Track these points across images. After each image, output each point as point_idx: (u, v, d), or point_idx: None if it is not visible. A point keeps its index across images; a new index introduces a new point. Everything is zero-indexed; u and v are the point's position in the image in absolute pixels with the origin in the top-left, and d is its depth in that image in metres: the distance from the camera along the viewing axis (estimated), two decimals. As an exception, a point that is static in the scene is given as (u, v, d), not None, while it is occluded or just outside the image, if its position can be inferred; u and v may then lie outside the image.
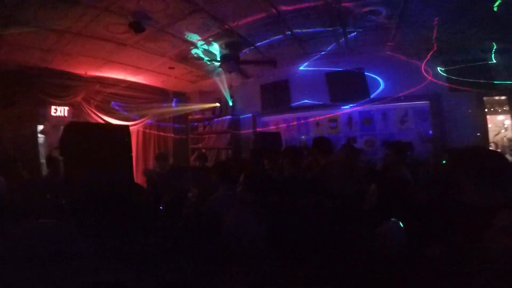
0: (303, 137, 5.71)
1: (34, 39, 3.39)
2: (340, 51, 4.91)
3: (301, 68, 5.47)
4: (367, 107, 5.17)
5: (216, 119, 6.22)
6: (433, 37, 3.98)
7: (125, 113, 5.65)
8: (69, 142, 2.41)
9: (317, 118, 5.50)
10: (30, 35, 3.27)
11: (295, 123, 5.71)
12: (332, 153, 3.18)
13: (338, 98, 5.28)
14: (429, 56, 4.38)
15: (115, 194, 2.21)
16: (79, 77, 4.74)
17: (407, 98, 4.68)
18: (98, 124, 4.56)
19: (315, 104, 5.37)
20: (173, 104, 6.32)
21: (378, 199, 1.81)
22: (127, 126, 2.95)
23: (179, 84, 5.94)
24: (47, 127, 4.59)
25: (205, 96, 6.38)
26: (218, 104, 6.18)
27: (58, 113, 4.76)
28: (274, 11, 3.62)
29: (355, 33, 4.26)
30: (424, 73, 4.58)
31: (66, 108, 4.82)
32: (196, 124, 6.57)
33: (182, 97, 6.54)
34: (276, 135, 4.80)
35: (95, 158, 2.39)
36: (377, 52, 4.92)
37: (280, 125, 5.80)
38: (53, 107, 4.64)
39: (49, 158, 3.98)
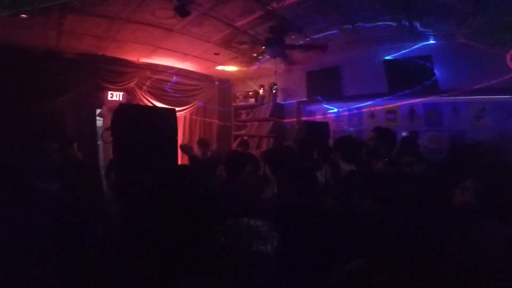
0: (351, 128, 5.21)
1: (87, 26, 3.56)
2: (402, 36, 4.27)
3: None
4: (434, 98, 4.43)
5: (259, 106, 6.04)
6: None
7: (174, 98, 5.83)
8: (118, 123, 2.51)
9: (372, 108, 4.92)
10: (83, 22, 3.45)
11: (345, 113, 5.21)
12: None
13: (399, 88, 4.61)
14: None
15: (158, 177, 2.28)
16: (132, 64, 4.97)
17: (485, 91, 3.90)
18: (147, 106, 4.74)
19: (370, 93, 4.79)
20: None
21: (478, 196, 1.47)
22: (174, 110, 2.94)
23: (224, 71, 5.87)
24: (104, 110, 4.96)
25: (249, 83, 6.23)
26: (261, 91, 5.97)
27: (114, 98, 5.09)
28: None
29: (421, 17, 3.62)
30: (510, 63, 3.71)
31: (121, 93, 5.13)
32: (239, 111, 6.48)
33: (227, 83, 6.50)
34: (323, 125, 4.43)
35: (142, 139, 2.43)
36: (448, 40, 4.19)
37: (328, 115, 5.36)
38: (109, 92, 4.97)
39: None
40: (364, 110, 5.02)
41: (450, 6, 3.27)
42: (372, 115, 4.98)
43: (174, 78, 5.66)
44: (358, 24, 3.97)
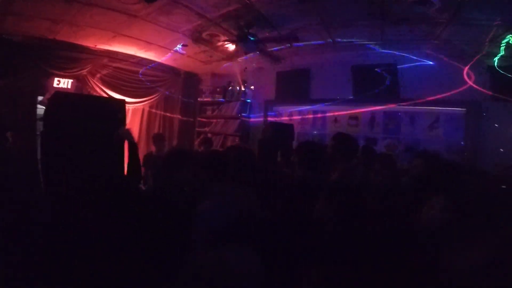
0: (315, 132, 5.34)
1: (41, 8, 3.04)
2: (372, 42, 4.45)
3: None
4: (394, 107, 4.73)
5: (226, 104, 5.86)
6: (487, 39, 3.46)
7: (132, 89, 5.33)
8: (52, 114, 2.11)
9: (336, 113, 5.10)
10: (37, 3, 2.91)
11: (310, 116, 5.31)
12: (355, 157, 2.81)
13: (363, 94, 4.84)
14: (475, 59, 3.87)
15: (98, 179, 1.95)
16: (87, 50, 4.39)
17: (441, 103, 4.22)
18: (88, 96, 4.19)
19: (336, 98, 4.94)
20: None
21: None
22: (123, 101, 2.60)
23: (191, 64, 5.54)
24: (47, 98, 4.31)
25: (217, 78, 6.00)
26: (230, 88, 5.79)
27: (60, 85, 4.46)
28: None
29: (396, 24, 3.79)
30: (466, 77, 4.10)
31: (70, 80, 4.51)
32: (205, 107, 6.21)
33: (193, 78, 6.16)
34: (288, 127, 4.45)
35: (81, 133, 2.09)
36: (414, 49, 4.43)
37: (294, 117, 5.41)
38: (56, 79, 4.34)
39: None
40: (328, 114, 5.17)
41: (425, 15, 3.43)
42: (335, 120, 5.15)
43: (135, 68, 5.16)
44: (333, 26, 4.02)
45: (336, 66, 4.93)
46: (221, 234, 1.40)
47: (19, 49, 3.73)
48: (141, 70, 5.27)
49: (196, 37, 4.38)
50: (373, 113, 4.93)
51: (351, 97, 4.87)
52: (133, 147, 2.39)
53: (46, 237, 2.00)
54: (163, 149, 4.21)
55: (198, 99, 6.20)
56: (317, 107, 5.22)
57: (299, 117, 5.38)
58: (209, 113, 6.17)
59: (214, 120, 6.12)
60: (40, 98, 4.29)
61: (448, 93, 4.07)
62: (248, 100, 5.72)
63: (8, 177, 3.11)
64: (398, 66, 4.54)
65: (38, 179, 3.03)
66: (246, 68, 5.56)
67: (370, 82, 4.73)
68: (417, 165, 2.48)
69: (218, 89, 5.90)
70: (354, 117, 5.03)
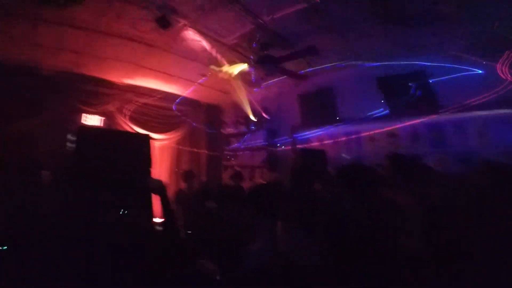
0: (350, 155, 4.77)
1: (64, 39, 3.32)
2: (395, 50, 4.12)
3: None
4: (435, 117, 4.12)
5: (251, 135, 5.64)
6: None
7: (158, 125, 5.42)
8: (77, 150, 2.11)
9: (372, 132, 4.55)
10: (59, 35, 3.19)
11: (343, 138, 4.81)
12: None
13: (398, 108, 4.33)
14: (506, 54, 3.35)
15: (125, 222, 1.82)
16: (112, 85, 4.65)
17: (485, 106, 3.63)
18: (112, 130, 4.28)
19: (368, 115, 4.48)
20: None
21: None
22: (147, 136, 2.53)
23: (212, 95, 5.59)
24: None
25: (239, 108, 5.93)
26: (253, 118, 5.63)
27: (91, 122, 4.65)
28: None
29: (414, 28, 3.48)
30: (501, 74, 3.51)
31: (99, 117, 4.71)
32: (230, 139, 6.06)
33: (215, 109, 6.18)
34: (320, 153, 4.00)
35: (105, 171, 2.03)
36: (440, 52, 4.00)
37: (325, 141, 4.95)
38: (86, 116, 4.55)
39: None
40: (363, 134, 4.64)
41: (444, 14, 3.12)
42: (372, 138, 4.58)
43: (160, 103, 5.31)
44: (351, 39, 3.82)
45: (361, 80, 4.56)
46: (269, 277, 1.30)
47: (49, 83, 4.01)
48: (165, 105, 5.40)
49: (213, 65, 4.43)
50: (413, 127, 4.32)
51: (385, 112, 4.38)
52: (165, 202, 2.21)
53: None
54: (193, 185, 4.09)
55: (222, 131, 6.10)
56: (348, 127, 4.75)
57: (331, 140, 4.91)
58: (234, 145, 5.98)
59: (240, 152, 5.88)
60: (69, 135, 4.48)
61: (493, 95, 3.46)
62: (273, 128, 5.47)
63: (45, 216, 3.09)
64: (429, 72, 4.09)
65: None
66: (263, 94, 5.43)
67: (401, 93, 4.25)
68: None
69: (240, 119, 5.78)
70: (392, 134, 4.44)
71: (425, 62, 4.21)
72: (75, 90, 4.27)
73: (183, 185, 4.61)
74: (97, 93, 4.52)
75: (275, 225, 1.68)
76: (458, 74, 3.97)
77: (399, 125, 4.40)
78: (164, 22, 3.11)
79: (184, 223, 3.64)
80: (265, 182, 2.92)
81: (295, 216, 1.86)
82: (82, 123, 4.46)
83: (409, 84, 4.23)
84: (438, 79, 4.10)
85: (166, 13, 3.07)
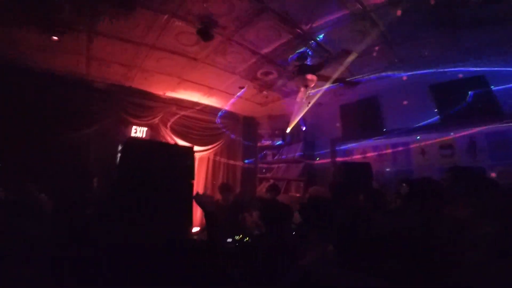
0: (397, 169, 4.36)
1: (115, 52, 3.62)
2: (447, 56, 3.77)
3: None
4: (496, 127, 3.62)
5: (287, 147, 5.53)
6: None
7: (198, 137, 5.60)
8: (124, 160, 2.24)
9: (423, 143, 4.14)
10: (111, 48, 3.50)
11: (389, 151, 4.45)
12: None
13: (451, 117, 3.92)
14: None
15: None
16: (158, 98, 4.96)
17: None
18: (158, 142, 4.49)
19: (418, 125, 4.11)
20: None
21: None
22: (191, 148, 2.65)
23: (249, 108, 5.64)
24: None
25: (275, 120, 5.89)
26: (289, 129, 5.53)
27: (137, 134, 4.97)
28: (359, 5, 2.98)
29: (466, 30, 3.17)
30: None
31: (145, 128, 5.02)
32: (265, 151, 6.00)
33: (252, 122, 6.22)
34: (364, 166, 3.73)
35: (150, 181, 2.12)
36: (500, 55, 3.56)
37: (369, 154, 4.63)
38: (133, 127, 4.88)
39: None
40: (412, 146, 4.24)
41: (498, 13, 2.80)
42: (422, 151, 4.16)
43: (200, 115, 5.51)
44: (397, 43, 3.59)
45: (409, 88, 4.24)
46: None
47: (100, 96, 4.40)
48: (205, 117, 5.58)
49: (252, 77, 4.50)
50: (471, 138, 3.83)
51: (437, 121, 3.98)
52: (208, 215, 2.29)
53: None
54: (229, 198, 4.13)
55: (258, 144, 6.08)
56: (395, 139, 4.39)
57: (375, 153, 4.57)
58: (269, 158, 5.90)
59: (276, 165, 5.78)
60: (120, 147, 4.83)
61: None
62: (310, 141, 5.29)
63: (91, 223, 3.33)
64: (488, 78, 3.68)
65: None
66: (303, 104, 5.33)
67: (456, 100, 3.85)
68: None
69: (276, 132, 5.72)
70: (447, 146, 3.98)
71: (483, 67, 3.80)
72: (123, 102, 4.63)
73: (219, 196, 4.68)
74: (143, 105, 4.84)
75: (327, 242, 1.57)
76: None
77: (453, 136, 3.95)
78: (204, 34, 3.25)
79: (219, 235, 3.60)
80: (317, 196, 2.80)
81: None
82: (129, 134, 4.79)
83: (467, 90, 3.84)
84: (502, 87, 3.66)
85: (206, 25, 3.22)
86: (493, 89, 3.70)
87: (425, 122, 4.12)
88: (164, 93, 4.94)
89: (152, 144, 3.58)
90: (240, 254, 2.05)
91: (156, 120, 5.05)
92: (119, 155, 4.74)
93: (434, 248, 1.42)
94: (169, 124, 5.23)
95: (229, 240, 3.36)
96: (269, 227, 2.09)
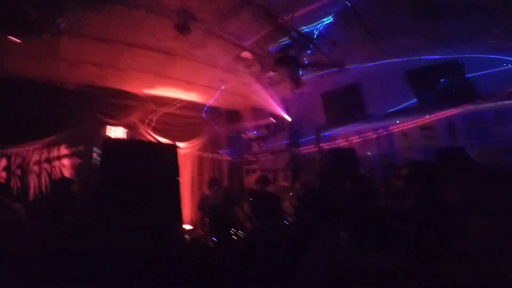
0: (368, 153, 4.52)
1: (85, 52, 3.33)
2: (425, 44, 3.89)
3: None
4: (473, 107, 3.84)
5: (272, 137, 5.52)
6: None
7: (181, 134, 5.42)
8: (106, 162, 2.12)
9: (404, 126, 4.30)
10: (81, 47, 3.20)
11: (372, 135, 4.58)
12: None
13: (429, 100, 4.09)
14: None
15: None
16: (135, 96, 4.69)
17: None
18: (138, 141, 4.30)
19: (398, 109, 4.25)
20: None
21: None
22: (174, 146, 2.54)
23: (231, 101, 5.52)
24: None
25: (258, 112, 5.82)
26: (273, 120, 5.52)
27: (114, 134, 4.71)
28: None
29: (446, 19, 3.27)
30: None
31: (122, 128, 4.76)
32: (250, 143, 5.96)
33: (235, 115, 6.11)
34: (350, 152, 3.82)
35: (135, 180, 2.02)
36: (475, 42, 3.72)
37: (352, 138, 4.74)
38: (108, 128, 4.61)
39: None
40: (393, 129, 4.39)
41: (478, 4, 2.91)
42: (404, 134, 4.33)
43: (181, 112, 5.31)
44: (379, 35, 3.63)
45: (387, 75, 4.35)
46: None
47: (73, 98, 4.08)
48: (186, 113, 5.40)
49: (234, 69, 4.37)
50: (448, 119, 4.03)
51: (416, 105, 4.14)
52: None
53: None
54: (218, 192, 4.06)
55: (243, 135, 6.02)
56: (376, 123, 4.51)
57: (359, 138, 4.69)
58: (255, 149, 5.87)
59: (261, 156, 5.77)
60: (95, 148, 4.55)
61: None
62: (295, 129, 5.32)
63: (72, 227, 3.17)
64: (464, 65, 3.87)
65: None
66: (285, 97, 5.31)
67: (432, 84, 4.01)
68: None
69: (261, 123, 5.67)
70: (427, 127, 4.17)
71: (459, 54, 3.96)
72: (98, 103, 4.33)
73: (207, 191, 4.62)
74: (119, 105, 4.56)
75: (338, 231, 1.55)
76: (497, 69, 3.68)
77: (432, 117, 4.13)
78: (183, 28, 3.06)
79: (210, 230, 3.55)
80: (324, 185, 2.77)
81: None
82: (107, 135, 4.51)
83: (442, 75, 4.00)
84: (476, 74, 3.85)
85: (184, 19, 3.03)
86: (469, 76, 3.87)
87: (405, 105, 4.27)
88: (142, 91, 4.66)
89: (133, 144, 3.41)
90: (242, 251, 2.01)
91: (134, 119, 4.79)
92: (98, 157, 4.50)
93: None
94: (148, 122, 4.99)
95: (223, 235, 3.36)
96: (264, 219, 2.04)
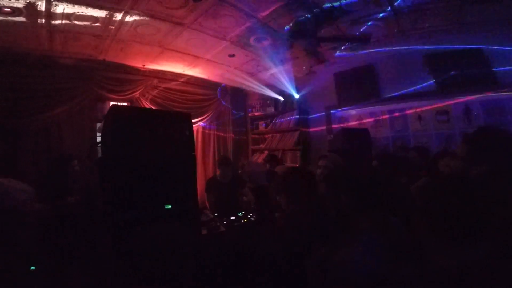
0: (394, 134, 4.40)
1: (84, 21, 2.98)
2: (446, 28, 3.64)
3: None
4: (491, 94, 3.70)
5: (280, 116, 5.33)
6: None
7: (185, 110, 5.17)
8: (113, 133, 1.74)
9: (418, 109, 4.16)
10: (78, 16, 2.87)
11: (386, 116, 4.43)
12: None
13: (447, 85, 3.91)
14: None
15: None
16: (137, 71, 4.38)
17: None
18: (150, 109, 3.97)
19: (415, 92, 4.07)
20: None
21: None
22: (189, 115, 2.13)
23: (238, 78, 5.22)
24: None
25: (266, 90, 5.56)
26: (281, 98, 5.28)
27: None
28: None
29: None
30: None
31: (125, 104, 4.49)
32: (256, 122, 5.76)
33: (241, 93, 5.84)
34: (363, 132, 3.72)
35: (147, 154, 1.75)
36: (499, 27, 3.48)
37: (365, 120, 4.59)
38: (111, 103, 4.33)
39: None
40: (408, 111, 4.25)
41: None
42: (419, 117, 4.19)
43: (185, 87, 5.02)
44: (402, 16, 3.35)
45: (405, 57, 4.13)
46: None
47: (72, 72, 3.77)
48: (190, 89, 5.11)
49: (244, 44, 4.05)
50: (467, 104, 3.90)
51: (434, 89, 3.97)
52: (260, 190, 1.93)
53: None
54: (228, 173, 3.86)
55: (249, 114, 5.80)
56: (391, 104, 4.35)
57: (372, 119, 4.54)
58: (261, 128, 5.69)
59: (269, 135, 5.61)
60: (99, 125, 4.31)
61: None
62: (304, 109, 5.12)
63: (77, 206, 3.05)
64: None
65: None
66: (296, 76, 5.04)
67: (452, 70, 3.83)
68: None
69: (268, 101, 5.44)
70: (443, 112, 4.03)
71: (482, 45, 3.71)
72: (97, 77, 4.01)
73: (217, 171, 4.44)
74: (120, 79, 4.25)
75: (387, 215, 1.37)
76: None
77: (449, 102, 3.99)
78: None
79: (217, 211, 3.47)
80: (352, 163, 2.48)
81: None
82: (114, 104, 4.25)
83: (463, 61, 3.80)
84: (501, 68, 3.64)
85: (198, -16, 2.69)
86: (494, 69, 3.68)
87: (421, 88, 4.09)
88: (144, 65, 4.33)
89: (143, 112, 2.79)
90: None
91: (137, 94, 4.50)
92: (102, 128, 4.26)
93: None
94: (150, 97, 4.71)
95: (233, 218, 3.27)
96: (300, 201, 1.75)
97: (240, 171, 4.55)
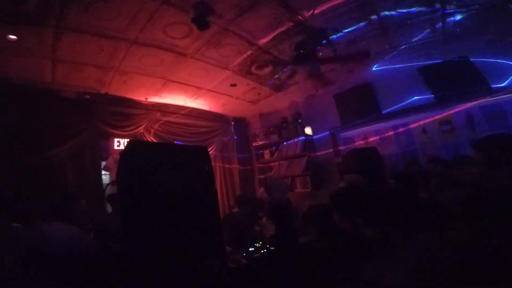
0: (402, 150, 4.35)
1: (86, 51, 3.05)
2: (432, 40, 3.90)
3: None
4: (491, 99, 3.78)
5: (286, 143, 5.28)
6: None
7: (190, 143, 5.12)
8: (130, 168, 1.69)
9: (421, 122, 4.18)
10: (81, 46, 2.94)
11: (391, 133, 4.42)
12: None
13: (445, 95, 4.00)
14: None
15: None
16: (140, 104, 4.41)
17: None
18: (167, 144, 3.88)
19: (414, 106, 4.13)
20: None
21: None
22: (206, 148, 2.08)
23: (239, 108, 5.31)
24: (110, 162, 4.15)
25: (266, 118, 5.62)
26: (284, 125, 5.31)
27: (121, 147, 4.35)
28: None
29: (456, 16, 3.36)
30: None
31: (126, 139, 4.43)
32: (261, 151, 5.69)
33: (242, 122, 5.88)
34: (372, 152, 3.64)
35: (168, 190, 1.64)
36: (479, 37, 3.79)
37: (371, 139, 4.57)
38: (115, 140, 4.27)
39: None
40: (412, 126, 4.26)
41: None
42: (423, 130, 4.20)
43: (187, 120, 5.05)
44: (391, 30, 3.59)
45: (399, 72, 4.29)
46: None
47: (75, 108, 3.74)
48: (194, 122, 5.14)
49: (246, 73, 4.19)
50: (467, 112, 3.95)
51: (433, 100, 4.05)
52: (280, 208, 1.83)
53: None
54: (247, 210, 3.70)
55: (253, 144, 5.75)
56: (393, 120, 4.38)
57: (377, 137, 4.52)
58: (267, 157, 5.60)
59: (276, 163, 5.49)
60: (103, 163, 4.18)
61: None
62: (310, 134, 5.12)
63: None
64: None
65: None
66: (296, 101, 5.15)
67: (447, 80, 3.97)
68: None
69: (271, 129, 5.45)
70: (446, 122, 4.06)
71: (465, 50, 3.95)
72: (101, 112, 3.99)
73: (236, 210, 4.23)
74: (124, 114, 4.25)
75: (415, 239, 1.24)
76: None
77: (450, 112, 4.04)
78: (201, 23, 2.87)
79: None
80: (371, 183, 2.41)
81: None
82: (113, 148, 4.17)
83: (454, 70, 3.96)
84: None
85: (202, 12, 2.85)
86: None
87: (420, 101, 4.16)
88: (146, 98, 4.39)
89: (161, 147, 2.86)
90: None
91: (140, 129, 4.48)
92: (118, 164, 4.07)
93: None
94: (153, 132, 4.68)
95: (251, 249, 3.02)
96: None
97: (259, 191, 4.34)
